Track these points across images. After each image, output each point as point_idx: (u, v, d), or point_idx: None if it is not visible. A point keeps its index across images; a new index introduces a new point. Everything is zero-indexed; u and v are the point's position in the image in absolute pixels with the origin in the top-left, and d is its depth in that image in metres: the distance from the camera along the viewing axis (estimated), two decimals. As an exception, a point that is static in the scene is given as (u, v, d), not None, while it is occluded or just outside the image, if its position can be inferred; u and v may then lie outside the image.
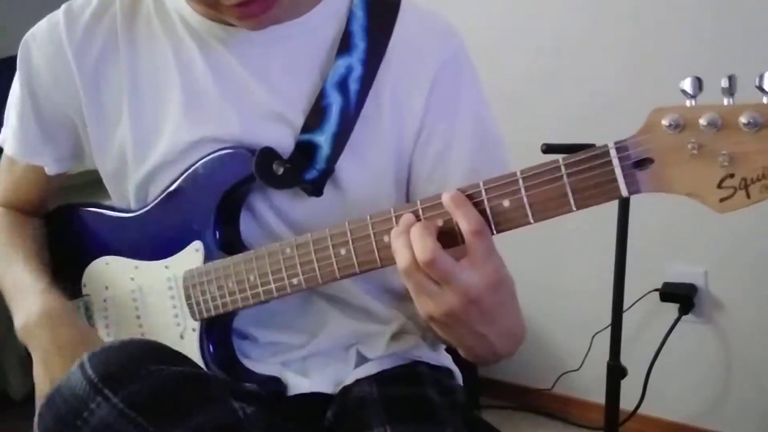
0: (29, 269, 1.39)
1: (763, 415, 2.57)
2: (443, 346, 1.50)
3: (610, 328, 2.23)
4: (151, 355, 1.06)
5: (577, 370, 2.93)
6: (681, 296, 2.61)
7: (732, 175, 0.84)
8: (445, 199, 1.01)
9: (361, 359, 1.39)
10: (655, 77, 2.42)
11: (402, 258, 1.00)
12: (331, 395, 1.34)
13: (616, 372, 2.22)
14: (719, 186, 0.85)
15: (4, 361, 2.91)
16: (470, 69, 1.37)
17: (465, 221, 0.99)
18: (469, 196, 1.01)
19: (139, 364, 1.02)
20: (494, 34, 2.81)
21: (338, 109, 1.27)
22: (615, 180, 0.91)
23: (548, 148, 2.07)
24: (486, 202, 1.00)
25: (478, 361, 1.14)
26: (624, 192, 0.90)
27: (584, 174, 0.93)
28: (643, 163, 0.89)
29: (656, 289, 2.65)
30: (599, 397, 2.35)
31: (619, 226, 2.14)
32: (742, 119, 0.81)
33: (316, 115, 1.27)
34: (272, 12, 1.19)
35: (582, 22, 2.62)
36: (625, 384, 2.22)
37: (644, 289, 2.65)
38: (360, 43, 1.29)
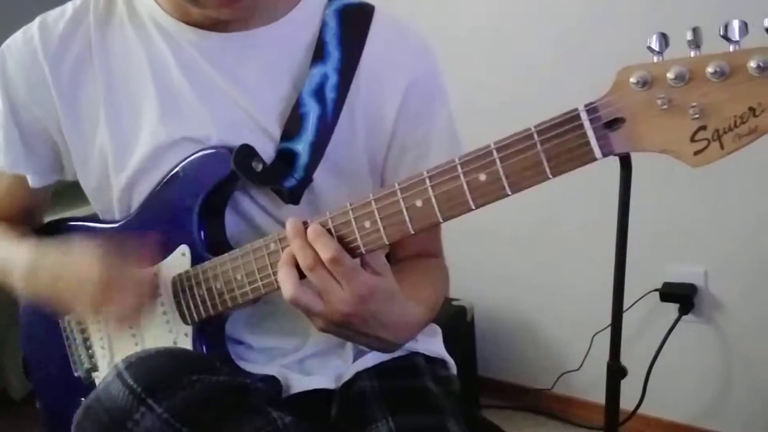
0: (11, 243, 1.42)
1: (763, 415, 2.56)
2: (438, 337, 1.52)
3: (610, 328, 2.21)
4: (189, 364, 1.07)
5: (577, 370, 2.92)
6: (681, 296, 2.60)
7: (704, 127, 0.83)
8: (309, 232, 1.09)
9: (359, 352, 1.40)
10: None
11: (285, 286, 1.09)
12: (332, 390, 1.35)
13: (616, 372, 2.20)
14: (692, 139, 0.84)
15: (4, 361, 2.91)
16: (442, 85, 1.39)
17: (323, 251, 1.07)
18: (446, 173, 1.00)
19: (180, 374, 1.03)
20: (496, 35, 2.83)
21: (315, 118, 1.27)
22: (588, 143, 0.90)
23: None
24: (462, 176, 0.99)
25: (381, 351, 1.27)
26: (598, 154, 0.90)
27: (557, 140, 0.92)
28: (614, 123, 0.89)
29: (656, 289, 2.64)
30: (599, 397, 2.32)
31: (619, 226, 2.12)
32: (709, 69, 0.81)
33: (293, 124, 1.28)
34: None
35: (583, 24, 2.63)
36: (625, 384, 2.20)
37: (644, 289, 2.64)
38: (334, 52, 1.30)
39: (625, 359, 2.19)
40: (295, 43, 1.32)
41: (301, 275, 1.09)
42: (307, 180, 1.28)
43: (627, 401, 2.40)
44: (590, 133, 0.90)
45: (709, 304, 2.60)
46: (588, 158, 0.91)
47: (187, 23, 1.30)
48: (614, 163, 1.78)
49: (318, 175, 1.28)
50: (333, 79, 1.28)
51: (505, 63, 2.81)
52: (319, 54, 1.30)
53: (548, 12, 2.70)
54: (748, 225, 2.40)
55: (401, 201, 1.05)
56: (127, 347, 1.37)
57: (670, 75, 0.83)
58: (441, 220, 1.02)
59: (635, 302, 2.61)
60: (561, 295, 2.89)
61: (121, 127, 1.32)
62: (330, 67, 1.28)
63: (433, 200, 1.02)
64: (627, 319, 2.22)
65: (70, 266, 1.27)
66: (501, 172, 0.96)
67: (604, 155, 0.89)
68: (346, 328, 1.11)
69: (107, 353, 1.41)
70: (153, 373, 1.02)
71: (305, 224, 1.11)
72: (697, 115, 0.83)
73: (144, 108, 1.31)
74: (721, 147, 0.83)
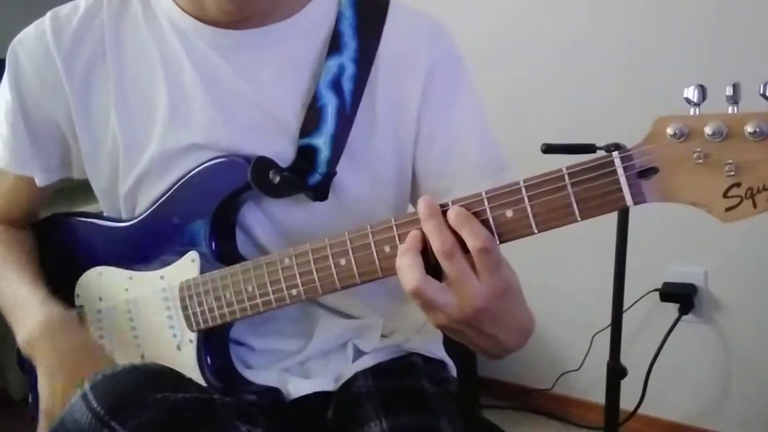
0: (25, 281, 1.38)
1: (763, 415, 2.58)
2: (438, 338, 1.51)
3: (610, 328, 2.23)
4: (154, 381, 1.04)
5: (577, 370, 2.93)
6: (681, 296, 2.61)
7: (738, 185, 0.83)
8: (450, 215, 0.98)
9: (359, 353, 1.39)
10: (656, 78, 2.42)
11: (411, 276, 0.98)
12: (331, 393, 1.34)
13: (616, 372, 2.22)
14: (725, 195, 0.84)
15: (4, 361, 2.91)
16: (462, 66, 1.36)
17: (472, 238, 0.96)
18: (472, 206, 0.99)
19: (144, 393, 1.00)
20: (497, 35, 2.82)
21: (334, 110, 1.25)
22: (620, 190, 0.89)
23: (548, 148, 2.06)
24: (489, 212, 0.97)
25: (489, 356, 1.14)
26: (629, 202, 0.89)
27: (588, 184, 0.91)
28: (647, 172, 0.88)
29: (656, 289, 2.65)
30: (599, 397, 2.35)
31: (619, 226, 2.13)
32: (748, 128, 0.80)
33: (312, 118, 1.26)
34: None
35: (584, 23, 2.62)
36: (625, 384, 2.22)
37: (644, 289, 2.65)
38: (350, 42, 1.28)
39: (625, 359, 2.20)
40: (313, 36, 1.30)
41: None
42: (330, 174, 1.26)
43: (627, 401, 2.44)
44: (623, 180, 0.89)
45: (709, 304, 2.61)
46: (619, 205, 0.90)
47: (204, 21, 1.28)
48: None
49: (341, 169, 1.27)
50: (350, 70, 1.26)
51: (508, 65, 2.81)
52: (335, 45, 1.28)
53: (551, 15, 2.70)
54: (748, 225, 2.35)
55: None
56: (128, 349, 1.37)
57: (707, 130, 0.82)
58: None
59: (635, 302, 2.62)
60: (561, 295, 2.89)
61: (133, 127, 1.31)
62: (346, 58, 1.27)
63: None
64: (627, 319, 2.25)
65: (60, 367, 1.26)
66: (529, 211, 0.95)
67: (635, 203, 0.88)
68: (470, 326, 1.01)
69: (107, 352, 1.40)
70: (117, 393, 0.99)
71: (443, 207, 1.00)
72: (732, 172, 0.82)
73: (155, 109, 1.30)
74: (754, 205, 0.83)
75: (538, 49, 2.74)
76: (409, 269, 0.98)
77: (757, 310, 2.52)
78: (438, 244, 0.97)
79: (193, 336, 1.29)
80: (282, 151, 1.26)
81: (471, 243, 0.96)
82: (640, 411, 2.66)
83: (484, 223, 0.97)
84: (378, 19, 1.31)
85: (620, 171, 0.89)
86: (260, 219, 1.31)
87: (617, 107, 2.51)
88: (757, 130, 0.79)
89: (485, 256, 0.96)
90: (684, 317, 2.61)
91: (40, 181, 1.42)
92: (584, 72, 2.64)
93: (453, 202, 1.00)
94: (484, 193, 0.98)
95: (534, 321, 1.14)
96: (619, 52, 2.56)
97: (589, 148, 2.01)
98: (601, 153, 1.96)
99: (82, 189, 1.45)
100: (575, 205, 0.92)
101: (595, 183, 0.91)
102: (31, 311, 1.31)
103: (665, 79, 2.41)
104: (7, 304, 1.37)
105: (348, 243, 1.08)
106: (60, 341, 1.27)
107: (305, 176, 1.25)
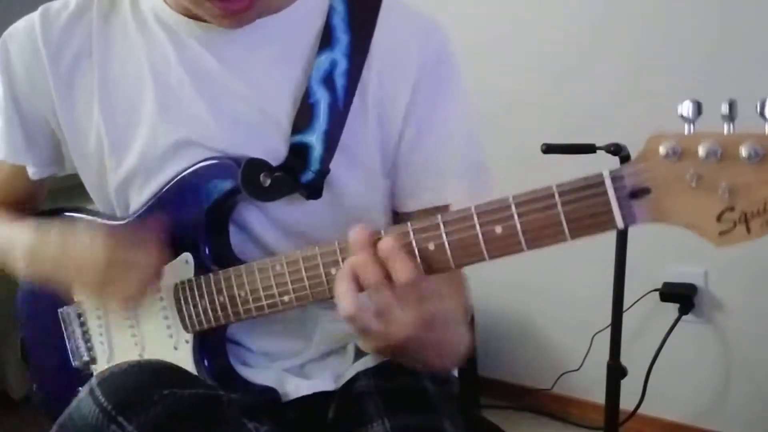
0: (17, 225, 1.41)
1: (763, 415, 2.57)
2: None
3: (610, 328, 2.22)
4: (161, 378, 1.04)
5: (577, 370, 2.93)
6: (681, 296, 2.60)
7: (732, 208, 0.80)
8: (380, 247, 0.99)
9: (360, 353, 1.39)
10: (656, 78, 2.41)
11: (345, 303, 1.00)
12: (332, 392, 1.34)
13: (616, 372, 2.21)
14: (719, 219, 0.81)
15: (4, 361, 2.91)
16: (454, 65, 1.34)
17: (396, 272, 0.98)
18: (460, 220, 0.98)
19: (151, 389, 1.00)
20: (497, 35, 2.82)
21: (326, 106, 1.23)
22: (610, 211, 0.87)
23: (548, 149, 2.05)
24: (478, 227, 0.96)
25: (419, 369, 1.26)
26: (620, 224, 0.87)
27: (579, 203, 0.89)
28: (639, 192, 0.86)
29: (656, 289, 2.65)
30: (599, 397, 2.35)
31: (619, 226, 2.12)
32: (743, 150, 0.78)
33: (304, 114, 1.24)
34: (253, 11, 1.19)
35: (584, 24, 2.62)
36: (625, 384, 2.22)
37: (644, 289, 2.65)
38: (342, 37, 1.26)
39: (625, 359, 2.20)
40: (304, 32, 1.29)
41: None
42: (324, 172, 1.24)
43: (627, 401, 2.44)
44: (613, 201, 0.86)
45: (709, 304, 2.61)
46: (609, 226, 0.88)
47: (193, 17, 1.27)
48: (615, 163, 1.77)
49: (335, 166, 1.25)
50: (342, 65, 1.25)
51: (508, 65, 2.80)
52: (326, 40, 1.26)
53: (551, 15, 2.69)
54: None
55: (413, 242, 1.01)
56: (127, 348, 1.37)
57: (701, 152, 0.80)
58: (453, 266, 1.00)
59: (635, 302, 2.62)
60: (561, 295, 2.89)
61: (116, 125, 1.31)
62: (339, 53, 1.25)
63: (447, 245, 0.99)
64: (627, 319, 2.24)
65: (75, 244, 1.26)
66: (518, 228, 0.93)
67: (626, 225, 0.87)
68: (397, 353, 1.06)
69: (106, 349, 1.41)
70: (124, 389, 1.00)
71: (374, 236, 1.02)
72: (726, 195, 0.80)
73: (141, 104, 1.30)
74: (748, 231, 0.80)
75: (538, 49, 2.73)
76: (344, 296, 0.99)
77: (757, 310, 2.52)
78: (365, 277, 0.99)
79: (190, 337, 1.28)
80: (274, 148, 1.25)
81: (395, 276, 0.98)
82: (640, 411, 2.66)
83: (473, 238, 0.97)
84: (371, 13, 1.29)
85: (611, 192, 0.87)
86: (259, 217, 1.30)
87: (617, 107, 2.50)
88: (752, 152, 0.77)
89: (409, 289, 0.97)
90: (684, 317, 2.60)
91: (32, 174, 1.43)
92: (584, 72, 2.63)
93: (443, 217, 0.99)
94: (473, 209, 0.97)
95: (467, 345, 1.17)
96: (620, 52, 2.55)
97: (589, 148, 2.01)
98: (600, 154, 1.97)
99: (79, 188, 1.44)
100: (565, 224, 0.90)
101: (585, 203, 0.89)
102: (24, 236, 1.34)
103: (665, 79, 2.40)
104: (6, 250, 1.39)
105: (338, 252, 1.07)
106: (49, 244, 1.29)
107: (298, 174, 1.24)
